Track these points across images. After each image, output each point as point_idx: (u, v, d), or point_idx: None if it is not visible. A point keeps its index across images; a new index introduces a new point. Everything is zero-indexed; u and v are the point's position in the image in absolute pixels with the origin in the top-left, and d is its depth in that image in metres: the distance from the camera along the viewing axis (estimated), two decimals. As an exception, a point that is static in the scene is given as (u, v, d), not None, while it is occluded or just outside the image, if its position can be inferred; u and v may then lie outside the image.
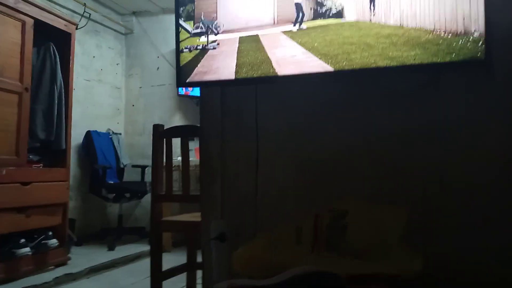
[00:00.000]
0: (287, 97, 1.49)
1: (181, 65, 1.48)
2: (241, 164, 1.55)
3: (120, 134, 4.36)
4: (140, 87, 4.53)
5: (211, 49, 1.43)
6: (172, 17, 1.62)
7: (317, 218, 1.22)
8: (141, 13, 4.54)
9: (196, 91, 4.28)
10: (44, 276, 2.59)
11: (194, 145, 3.23)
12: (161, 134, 2.16)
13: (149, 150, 4.22)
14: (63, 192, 2.95)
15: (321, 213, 1.24)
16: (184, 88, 4.26)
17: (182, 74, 1.49)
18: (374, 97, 1.39)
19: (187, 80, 1.48)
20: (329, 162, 1.43)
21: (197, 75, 1.44)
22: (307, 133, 1.47)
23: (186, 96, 4.28)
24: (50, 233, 2.80)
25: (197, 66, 1.44)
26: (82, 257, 3.12)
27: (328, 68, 1.27)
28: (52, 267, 2.78)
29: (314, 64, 1.29)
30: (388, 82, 1.35)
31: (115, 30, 4.44)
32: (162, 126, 2.20)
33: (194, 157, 3.26)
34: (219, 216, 1.57)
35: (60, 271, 2.69)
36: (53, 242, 2.78)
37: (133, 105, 4.55)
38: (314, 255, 1.04)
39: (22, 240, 2.59)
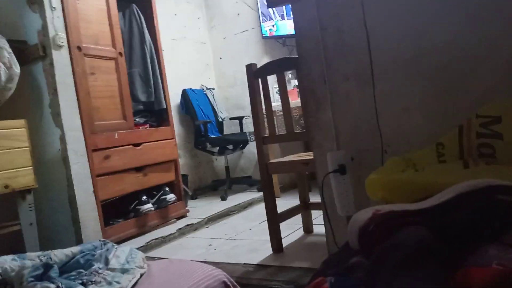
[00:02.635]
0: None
1: (268, -18, 1.29)
2: (352, 84, 1.35)
3: (213, 88, 4.38)
4: (224, 38, 4.44)
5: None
6: None
7: (462, 128, 0.99)
8: (212, -40, 4.36)
9: (280, 30, 4.06)
10: (168, 228, 2.76)
11: (288, 87, 3.07)
12: (255, 73, 2.03)
13: (243, 101, 4.28)
14: (172, 149, 3.05)
15: (464, 122, 1.01)
16: (268, 30, 4.07)
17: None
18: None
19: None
20: (459, 64, 1.16)
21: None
22: (425, 36, 1.20)
23: (271, 38, 4.09)
24: (167, 188, 2.95)
25: (287, -23, 1.24)
26: (199, 209, 3.26)
27: None
28: (174, 220, 2.94)
29: None
30: None
31: (190, -17, 4.35)
32: (255, 64, 2.07)
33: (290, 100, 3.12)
34: (334, 147, 1.41)
35: (181, 223, 2.84)
36: (171, 197, 2.93)
37: (220, 58, 4.50)
38: (471, 170, 0.84)
39: (144, 198, 2.76)
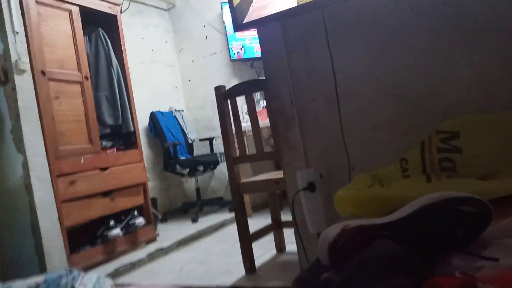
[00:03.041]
0: (361, 20, 1.29)
1: (234, 6, 1.32)
2: (319, 104, 1.39)
3: (183, 110, 4.37)
4: (193, 61, 4.46)
5: (265, -21, 1.26)
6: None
7: (424, 144, 1.04)
8: (179, -16, 4.42)
9: (248, 53, 4.13)
10: (137, 253, 2.68)
11: (257, 108, 3.11)
12: (224, 95, 2.05)
13: (213, 122, 4.29)
14: (141, 172, 3.00)
15: (426, 138, 1.06)
16: (236, 53, 4.13)
17: (237, 16, 1.34)
18: None
19: (244, 21, 1.33)
20: (420, 84, 1.22)
21: (254, 11, 1.28)
22: (388, 57, 1.26)
23: (239, 60, 4.15)
24: (136, 212, 2.88)
25: (252, 2, 1.28)
26: (170, 232, 3.19)
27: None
28: (143, 244, 2.87)
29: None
30: None
31: (157, 7, 4.37)
32: (224, 86, 2.09)
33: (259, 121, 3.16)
34: (303, 166, 1.43)
35: (151, 247, 2.77)
36: (140, 221, 2.86)
37: (189, 80, 4.52)
38: (433, 184, 0.87)
39: (112, 223, 2.68)
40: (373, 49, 1.28)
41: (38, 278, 1.18)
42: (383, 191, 0.91)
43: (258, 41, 4.02)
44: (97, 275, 1.29)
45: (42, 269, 2.19)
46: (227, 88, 2.08)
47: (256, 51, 4.11)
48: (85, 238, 2.61)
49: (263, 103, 3.77)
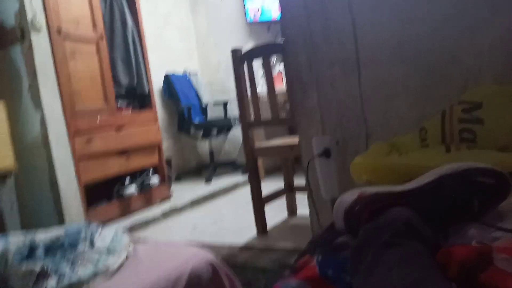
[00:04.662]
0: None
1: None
2: (337, 70, 1.36)
3: (197, 74, 4.34)
4: (208, 23, 4.38)
5: None
6: None
7: (444, 113, 1.02)
8: None
9: (264, 16, 4.03)
10: (152, 211, 2.76)
11: (273, 73, 3.07)
12: (241, 58, 2.03)
13: (227, 85, 4.25)
14: (156, 133, 3.03)
15: (447, 108, 1.04)
16: (252, 15, 4.03)
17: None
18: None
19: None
20: (442, 51, 1.19)
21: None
22: (410, 24, 1.22)
23: (255, 23, 4.06)
24: (151, 171, 2.94)
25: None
26: (183, 191, 3.26)
27: None
28: (157, 203, 2.94)
29: None
30: None
31: (172, -34, 4.25)
32: (241, 50, 2.06)
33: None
34: (319, 133, 1.43)
35: (165, 206, 2.84)
36: (155, 180, 2.92)
37: (203, 44, 4.45)
38: (452, 154, 0.87)
39: (127, 181, 2.75)
40: (396, 15, 1.24)
41: (59, 229, 1.22)
42: (401, 159, 0.91)
43: (276, 2, 3.92)
44: (115, 229, 1.34)
45: (61, 222, 2.28)
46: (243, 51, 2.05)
47: (274, 13, 4.00)
48: (102, 195, 2.68)
49: (279, 67, 3.72)
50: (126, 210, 2.70)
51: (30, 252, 1.05)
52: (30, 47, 2.22)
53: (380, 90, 1.30)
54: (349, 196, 0.75)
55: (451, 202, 0.69)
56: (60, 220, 2.28)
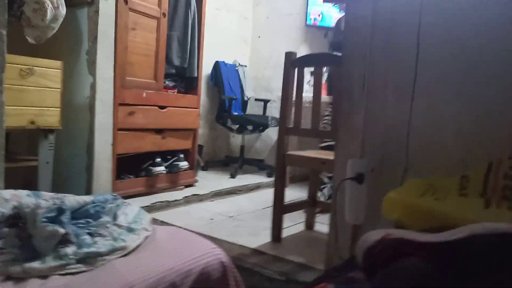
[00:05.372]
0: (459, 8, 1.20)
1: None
2: (390, 92, 1.33)
3: (246, 66, 4.36)
4: (267, 17, 4.39)
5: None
6: None
7: (491, 165, 0.98)
8: None
9: (324, 21, 3.99)
10: (175, 194, 2.81)
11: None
12: (293, 62, 2.02)
13: (272, 84, 4.26)
14: (195, 118, 3.08)
15: (495, 160, 0.99)
16: (313, 18, 4.00)
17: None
18: None
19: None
20: (506, 91, 1.14)
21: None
22: (479, 55, 1.18)
23: (314, 27, 4.03)
24: (182, 155, 2.99)
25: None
26: (208, 181, 3.31)
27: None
28: (182, 187, 3.00)
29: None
30: None
31: (245, -44, 4.28)
32: (295, 53, 2.05)
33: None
34: (358, 153, 1.41)
35: (188, 191, 2.89)
36: (184, 164, 2.97)
37: (259, 36, 4.47)
38: (491, 210, 0.83)
39: (158, 159, 2.81)
40: (464, 51, 1.20)
41: (88, 197, 1.27)
42: (436, 204, 0.88)
43: (337, 9, 3.86)
44: (138, 208, 1.37)
45: (89, 186, 2.36)
46: (297, 55, 2.04)
47: (334, 20, 3.95)
48: (131, 168, 2.76)
49: (324, 77, 3.68)
50: (151, 188, 2.76)
51: (59, 214, 1.09)
52: (96, 11, 2.30)
53: (430, 123, 1.26)
54: (374, 235, 0.74)
55: (477, 265, 0.66)
56: (88, 185, 2.36)
